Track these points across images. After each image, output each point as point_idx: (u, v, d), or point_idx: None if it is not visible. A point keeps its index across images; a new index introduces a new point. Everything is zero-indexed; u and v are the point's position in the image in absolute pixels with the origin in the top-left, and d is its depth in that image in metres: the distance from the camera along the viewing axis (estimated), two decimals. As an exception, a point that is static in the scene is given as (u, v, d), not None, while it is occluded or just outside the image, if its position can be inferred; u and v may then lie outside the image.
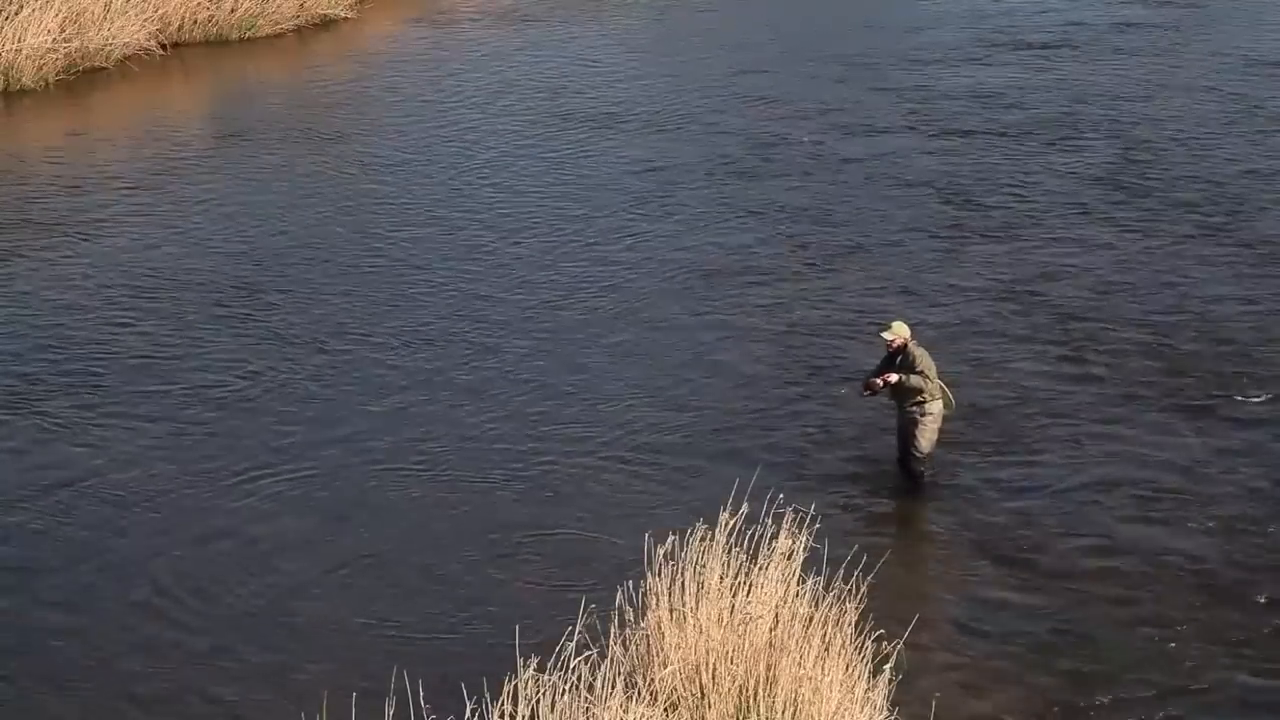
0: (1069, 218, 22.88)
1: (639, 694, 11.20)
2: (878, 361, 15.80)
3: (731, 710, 11.25)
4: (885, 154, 25.88)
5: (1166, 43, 32.74)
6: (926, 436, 15.48)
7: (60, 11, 29.93)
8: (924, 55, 31.76)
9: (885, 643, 11.82)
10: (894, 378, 15.26)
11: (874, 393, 15.52)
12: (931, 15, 35.10)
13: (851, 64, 31.19)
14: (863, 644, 11.71)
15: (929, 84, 29.68)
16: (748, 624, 11.49)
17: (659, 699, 11.27)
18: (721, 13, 36.19)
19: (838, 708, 11.20)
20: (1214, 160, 25.08)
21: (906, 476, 15.75)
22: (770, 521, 12.31)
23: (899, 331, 15.43)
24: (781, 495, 12.87)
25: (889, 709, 11.55)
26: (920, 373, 15.22)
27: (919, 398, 15.34)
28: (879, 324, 16.44)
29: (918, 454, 15.56)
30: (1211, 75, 30.18)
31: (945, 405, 15.49)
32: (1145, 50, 32.21)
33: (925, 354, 15.39)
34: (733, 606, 11.66)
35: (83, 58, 30.53)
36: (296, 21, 34.21)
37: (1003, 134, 26.57)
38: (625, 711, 10.71)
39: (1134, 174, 24.59)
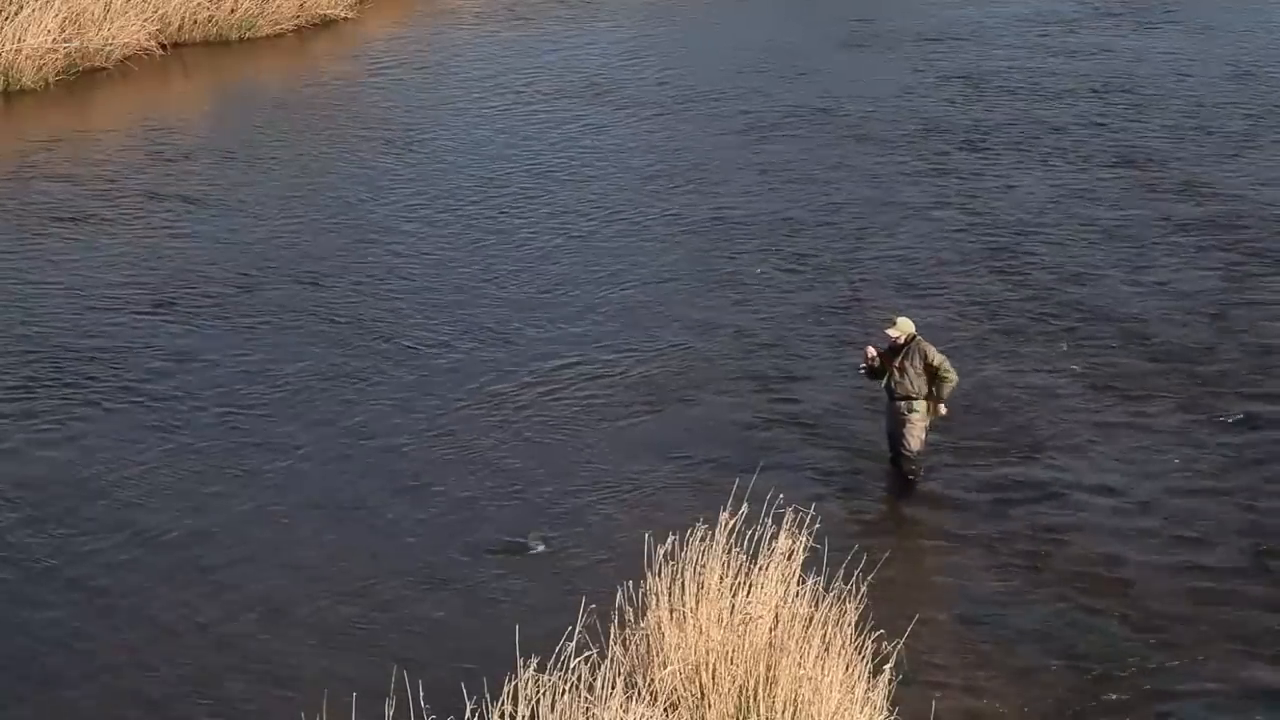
0: (1073, 215, 22.89)
1: (639, 694, 11.19)
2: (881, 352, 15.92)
3: (731, 710, 11.25)
4: (901, 131, 25.94)
5: (1199, 24, 32.94)
6: (915, 435, 15.62)
7: (60, 12, 29.94)
8: (933, 34, 31.83)
9: (885, 643, 11.82)
10: (871, 351, 15.59)
11: (870, 366, 15.76)
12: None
13: (862, 42, 31.22)
14: (863, 644, 11.71)
15: (946, 61, 29.75)
16: (748, 624, 11.49)
17: (659, 699, 11.27)
18: (716, 11, 36.23)
19: (838, 708, 11.19)
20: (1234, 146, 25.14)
21: (900, 475, 15.82)
22: (770, 521, 12.32)
23: (903, 328, 15.67)
24: (781, 495, 12.87)
25: (889, 709, 11.55)
26: (916, 370, 15.41)
27: (911, 392, 15.48)
28: (883, 318, 16.45)
29: (907, 454, 15.69)
30: (1243, 57, 30.39)
31: (925, 411, 15.58)
32: (1173, 27, 32.42)
33: (933, 349, 15.54)
34: (733, 606, 11.66)
35: (83, 58, 30.54)
36: (296, 21, 34.22)
37: (1040, 95, 26.63)
38: (625, 711, 10.70)
39: (1146, 169, 24.62)
